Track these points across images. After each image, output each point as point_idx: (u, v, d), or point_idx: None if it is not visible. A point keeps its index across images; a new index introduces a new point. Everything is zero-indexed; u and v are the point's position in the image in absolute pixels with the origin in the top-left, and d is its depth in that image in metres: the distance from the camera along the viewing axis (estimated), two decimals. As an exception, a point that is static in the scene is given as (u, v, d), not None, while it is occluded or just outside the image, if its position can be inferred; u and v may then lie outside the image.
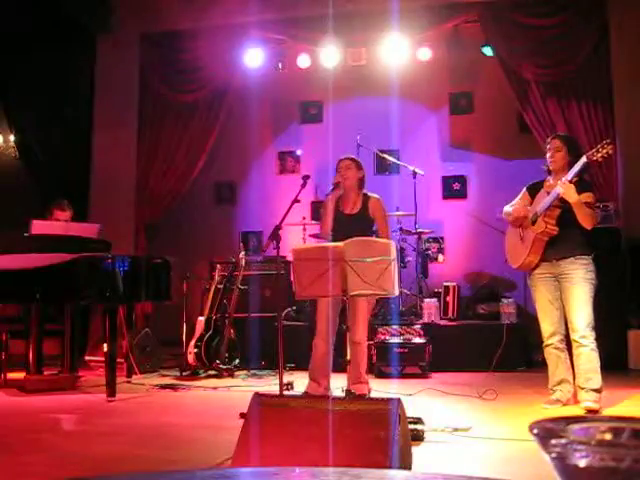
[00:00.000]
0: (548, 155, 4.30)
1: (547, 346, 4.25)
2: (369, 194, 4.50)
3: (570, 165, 4.19)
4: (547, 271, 4.24)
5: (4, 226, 5.99)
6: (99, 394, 4.74)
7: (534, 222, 4.25)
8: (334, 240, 4.21)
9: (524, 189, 4.48)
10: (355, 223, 4.34)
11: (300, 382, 4.86)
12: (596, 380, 4.03)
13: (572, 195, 3.97)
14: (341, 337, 4.27)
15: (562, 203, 4.09)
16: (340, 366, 4.28)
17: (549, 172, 4.34)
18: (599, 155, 3.96)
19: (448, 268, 7.54)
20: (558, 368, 4.21)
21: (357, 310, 4.11)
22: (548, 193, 4.19)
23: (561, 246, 4.15)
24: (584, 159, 3.98)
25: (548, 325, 4.24)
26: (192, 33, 7.24)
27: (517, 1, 6.56)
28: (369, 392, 4.33)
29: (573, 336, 4.08)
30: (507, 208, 4.49)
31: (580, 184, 4.07)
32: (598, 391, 4.03)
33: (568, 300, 4.12)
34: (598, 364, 4.04)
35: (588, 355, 4.03)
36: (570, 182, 3.99)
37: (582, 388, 4.06)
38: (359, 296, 3.69)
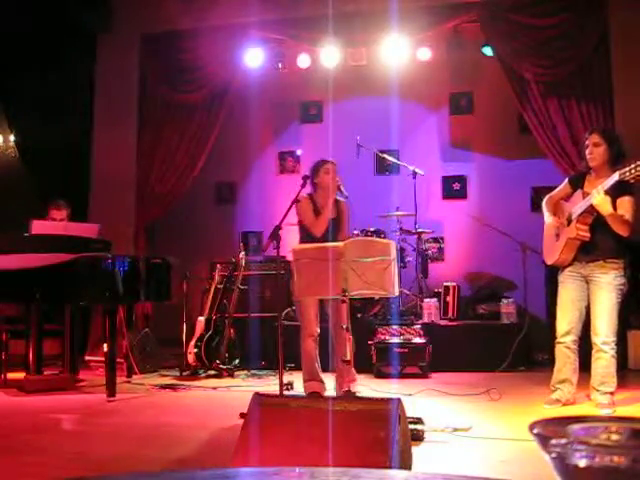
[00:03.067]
0: (587, 151, 4.14)
1: (559, 343, 4.23)
2: (338, 198, 4.53)
3: (611, 161, 4.06)
4: (577, 270, 4.18)
5: (4, 226, 5.99)
6: (99, 394, 4.74)
7: (569, 222, 4.18)
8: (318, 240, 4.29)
9: (566, 180, 4.38)
10: (333, 227, 4.39)
11: (300, 382, 4.86)
12: (611, 384, 4.05)
13: (606, 208, 3.87)
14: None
15: (595, 210, 3.98)
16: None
17: (588, 169, 4.20)
18: (631, 177, 3.77)
19: (448, 268, 7.53)
20: (565, 367, 4.20)
21: (342, 308, 4.15)
22: (584, 195, 4.08)
23: (593, 249, 4.09)
24: (616, 177, 3.82)
25: (564, 324, 4.20)
26: (192, 33, 7.23)
27: (517, 1, 6.55)
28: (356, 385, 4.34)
29: (595, 339, 4.07)
30: (546, 207, 4.38)
31: (620, 186, 3.90)
32: (612, 393, 4.06)
33: (594, 304, 4.08)
34: (615, 370, 4.05)
35: (607, 361, 4.03)
36: (606, 193, 3.86)
37: (597, 390, 4.07)
38: (358, 295, 3.69)
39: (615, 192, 3.92)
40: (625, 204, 3.98)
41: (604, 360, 4.03)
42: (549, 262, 4.39)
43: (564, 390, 4.19)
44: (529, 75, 6.44)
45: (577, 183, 4.26)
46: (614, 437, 0.64)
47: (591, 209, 3.99)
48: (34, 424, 3.94)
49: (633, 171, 3.75)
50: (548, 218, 4.35)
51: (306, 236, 4.43)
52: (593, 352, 4.09)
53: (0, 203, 6.95)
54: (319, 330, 4.36)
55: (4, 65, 7.21)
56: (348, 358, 3.66)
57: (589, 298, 4.14)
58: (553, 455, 0.61)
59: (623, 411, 4.09)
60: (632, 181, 3.80)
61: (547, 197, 4.44)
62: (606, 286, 4.04)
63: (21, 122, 7.60)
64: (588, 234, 4.05)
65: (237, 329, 6.08)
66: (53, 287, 4.74)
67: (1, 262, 4.78)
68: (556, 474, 0.61)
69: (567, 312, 4.21)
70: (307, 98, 8.20)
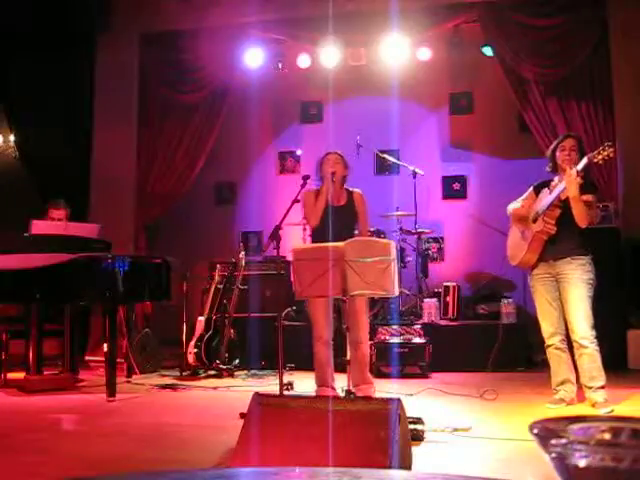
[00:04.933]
0: (563, 153, 4.21)
1: (548, 347, 4.26)
2: (351, 189, 4.48)
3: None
4: (545, 271, 4.24)
5: (4, 226, 5.99)
6: (99, 394, 4.73)
7: (535, 220, 4.25)
8: (320, 232, 4.22)
9: (530, 188, 4.46)
10: (342, 216, 4.32)
11: (300, 382, 4.87)
12: (600, 378, 4.05)
13: (573, 189, 3.96)
14: (341, 337, 4.25)
15: (562, 203, 4.09)
16: (340, 366, 4.26)
17: (554, 172, 4.30)
18: (600, 157, 3.96)
19: (448, 268, 7.53)
20: (560, 368, 4.21)
21: (356, 309, 4.09)
22: (551, 192, 4.18)
23: (558, 246, 4.16)
24: (585, 160, 4.00)
25: (548, 326, 4.24)
26: (192, 33, 7.23)
27: (517, 1, 6.55)
28: (374, 392, 4.26)
29: (573, 337, 4.09)
30: (511, 205, 4.51)
31: (585, 185, 4.07)
32: (603, 387, 4.06)
33: (566, 301, 4.12)
34: (600, 362, 4.05)
35: (590, 355, 4.03)
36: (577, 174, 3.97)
37: (589, 387, 4.08)
38: (358, 296, 3.69)
39: (581, 190, 4.00)
40: (588, 199, 4.08)
41: (587, 355, 4.04)
42: (514, 263, 4.44)
43: (567, 390, 4.20)
44: (529, 75, 6.45)
45: (541, 190, 4.35)
46: (613, 437, 0.64)
47: (558, 201, 4.07)
48: (34, 424, 3.94)
49: (603, 152, 3.91)
50: (515, 206, 4.44)
51: (313, 233, 4.38)
52: (575, 350, 4.12)
53: (0, 203, 6.95)
54: (332, 334, 4.23)
55: (4, 65, 7.21)
56: (347, 358, 3.66)
57: (561, 296, 4.17)
58: (553, 455, 0.61)
59: (622, 410, 4.09)
60: (601, 162, 4.00)
61: (510, 205, 4.51)
62: (575, 282, 4.08)
63: (21, 122, 7.60)
64: (554, 227, 4.11)
65: (237, 329, 6.08)
66: (53, 287, 4.73)
67: (1, 262, 4.78)
68: (556, 474, 0.61)
69: (547, 315, 4.24)
70: (307, 98, 8.20)
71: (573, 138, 4.29)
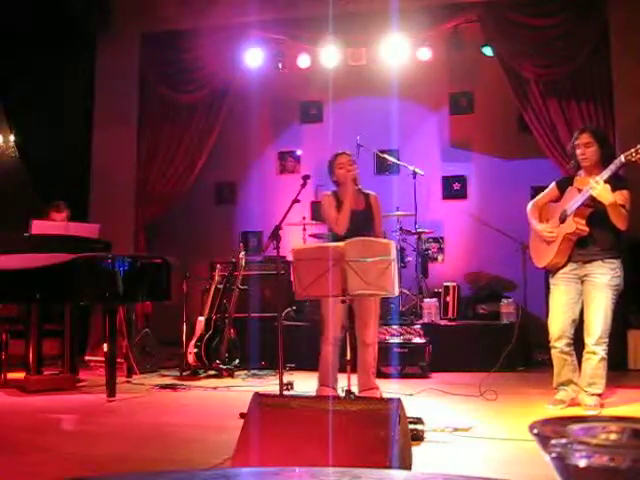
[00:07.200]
0: (578, 152, 4.06)
1: (553, 348, 4.19)
2: (366, 191, 4.41)
3: (602, 160, 3.98)
4: (572, 271, 4.10)
5: (4, 226, 5.99)
6: (99, 394, 4.74)
7: (563, 220, 4.09)
8: (344, 238, 4.14)
9: (553, 184, 4.30)
10: (361, 219, 4.25)
11: (300, 382, 4.87)
12: (599, 386, 4.02)
13: (607, 197, 3.76)
14: (343, 338, 4.22)
15: (594, 202, 3.90)
16: (340, 366, 4.25)
17: (577, 169, 4.15)
18: (638, 156, 3.70)
19: (448, 268, 7.53)
20: (564, 369, 4.17)
21: (367, 310, 4.05)
22: (579, 190, 3.99)
23: (590, 248, 4.01)
24: (622, 159, 3.75)
25: (556, 328, 4.15)
26: (192, 33, 7.23)
27: (517, 1, 6.55)
28: (380, 396, 4.20)
29: (587, 340, 4.02)
30: (530, 204, 4.34)
31: (614, 180, 3.85)
32: (599, 395, 4.04)
33: (588, 304, 4.02)
34: (605, 371, 4.01)
35: (597, 362, 3.99)
36: (605, 182, 3.77)
37: (585, 390, 4.06)
38: (360, 296, 3.68)
39: (612, 186, 3.83)
40: (623, 196, 3.91)
41: (593, 361, 3.99)
42: (541, 264, 4.29)
43: (568, 390, 4.17)
44: (529, 75, 6.44)
45: (565, 186, 4.19)
46: (614, 437, 0.64)
47: (589, 201, 3.91)
48: (34, 424, 3.94)
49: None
50: (537, 225, 4.25)
51: (332, 236, 4.26)
52: (584, 352, 4.05)
53: (0, 203, 6.94)
54: (341, 334, 4.12)
55: (4, 65, 7.21)
56: (347, 357, 3.65)
57: (584, 297, 4.06)
58: (553, 455, 0.61)
59: (622, 411, 4.09)
60: (639, 162, 3.70)
61: (532, 203, 4.37)
62: (602, 287, 3.97)
63: (21, 122, 7.60)
64: (587, 228, 3.97)
65: (237, 329, 6.08)
66: (53, 287, 4.73)
67: (1, 262, 4.78)
68: (556, 474, 0.61)
69: (559, 316, 4.14)
70: (307, 98, 8.20)
71: (587, 132, 4.10)
